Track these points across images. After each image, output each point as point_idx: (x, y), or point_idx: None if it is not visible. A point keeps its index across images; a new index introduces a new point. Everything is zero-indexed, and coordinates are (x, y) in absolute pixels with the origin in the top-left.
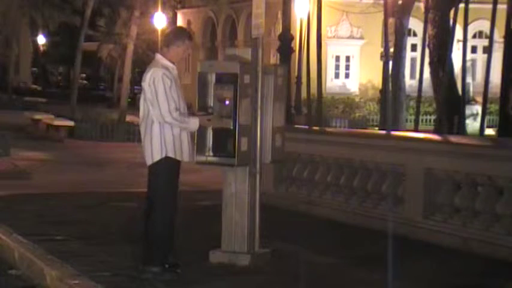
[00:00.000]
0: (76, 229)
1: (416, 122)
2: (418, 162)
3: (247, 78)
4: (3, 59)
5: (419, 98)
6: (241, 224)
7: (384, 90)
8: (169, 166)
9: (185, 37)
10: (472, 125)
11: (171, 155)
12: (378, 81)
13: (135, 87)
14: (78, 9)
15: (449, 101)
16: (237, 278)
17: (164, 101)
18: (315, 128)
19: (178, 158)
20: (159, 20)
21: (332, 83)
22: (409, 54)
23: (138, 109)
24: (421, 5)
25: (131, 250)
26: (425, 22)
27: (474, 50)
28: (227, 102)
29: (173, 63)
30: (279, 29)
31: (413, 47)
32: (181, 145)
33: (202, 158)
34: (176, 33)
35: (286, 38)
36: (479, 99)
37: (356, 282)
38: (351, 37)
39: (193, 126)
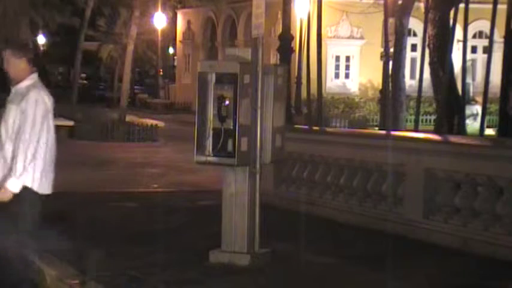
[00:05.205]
0: (76, 229)
1: (416, 122)
2: (418, 162)
3: (247, 78)
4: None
5: (419, 98)
6: (241, 224)
7: (384, 90)
8: None
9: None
10: (472, 125)
11: None
12: (378, 81)
13: (135, 87)
14: (78, 10)
15: (449, 101)
16: (237, 278)
17: None
18: (315, 128)
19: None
20: (159, 20)
21: (332, 83)
22: (409, 54)
23: (138, 109)
24: (421, 5)
25: (131, 250)
26: (425, 22)
27: (474, 50)
28: (227, 102)
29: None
30: (279, 29)
31: (413, 47)
32: None
33: (202, 158)
34: None
35: (286, 38)
36: (479, 99)
37: (356, 282)
38: (351, 37)
39: None
